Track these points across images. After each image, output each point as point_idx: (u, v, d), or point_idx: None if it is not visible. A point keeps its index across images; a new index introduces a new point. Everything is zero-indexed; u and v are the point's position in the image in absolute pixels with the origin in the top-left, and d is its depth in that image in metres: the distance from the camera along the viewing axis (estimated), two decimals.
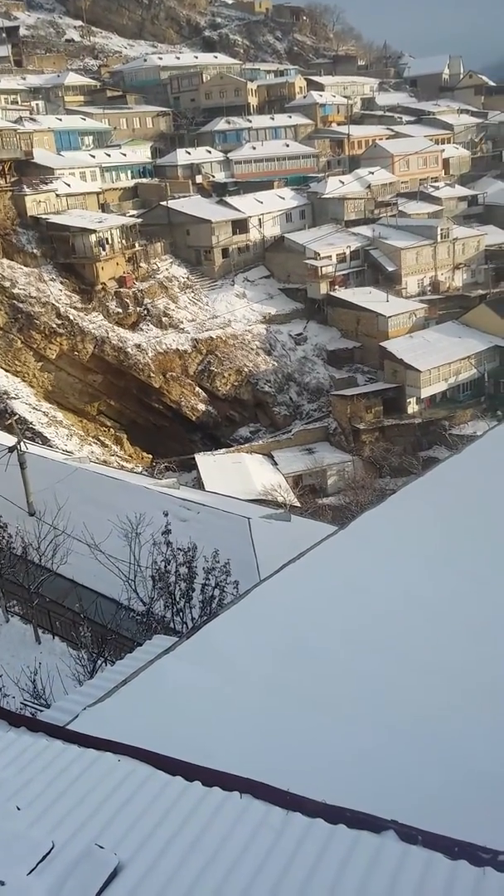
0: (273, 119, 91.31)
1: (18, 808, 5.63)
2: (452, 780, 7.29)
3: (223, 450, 59.23)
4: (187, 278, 68.48)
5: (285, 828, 5.47)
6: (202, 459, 55.68)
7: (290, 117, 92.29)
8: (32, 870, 5.08)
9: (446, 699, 8.31)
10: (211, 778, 5.92)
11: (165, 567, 15.33)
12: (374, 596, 10.26)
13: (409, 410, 59.52)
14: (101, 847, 5.25)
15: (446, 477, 13.96)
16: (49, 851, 5.25)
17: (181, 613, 15.25)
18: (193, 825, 5.46)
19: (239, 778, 5.94)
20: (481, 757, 7.53)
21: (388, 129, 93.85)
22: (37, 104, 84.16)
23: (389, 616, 9.70)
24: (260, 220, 72.57)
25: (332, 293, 67.34)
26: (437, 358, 59.66)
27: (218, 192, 78.65)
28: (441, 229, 70.49)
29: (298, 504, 48.08)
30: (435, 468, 14.77)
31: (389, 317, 62.59)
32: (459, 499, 12.80)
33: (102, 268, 61.45)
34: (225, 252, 70.76)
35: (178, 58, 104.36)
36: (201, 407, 62.74)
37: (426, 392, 59.31)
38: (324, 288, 67.27)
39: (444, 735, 7.83)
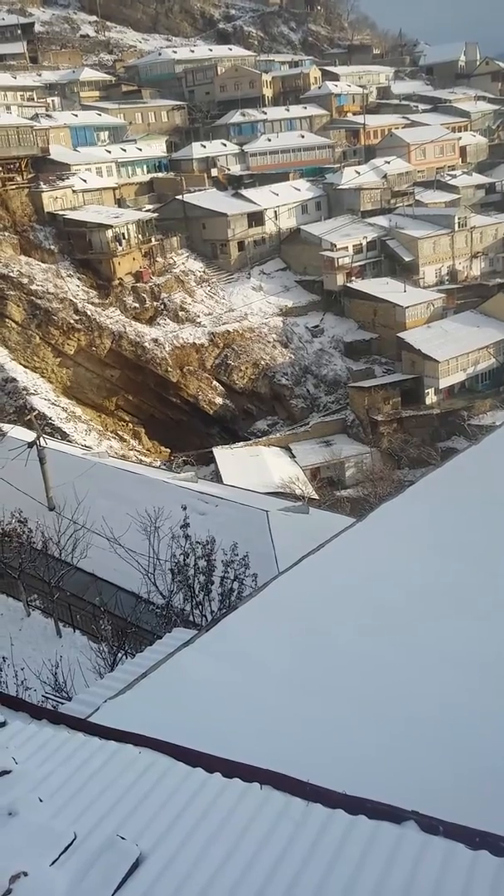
0: (288, 110, 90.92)
1: (41, 800, 5.69)
2: (473, 772, 7.27)
3: (241, 443, 59.27)
4: (203, 272, 68.47)
5: (306, 819, 5.48)
6: (220, 453, 55.76)
7: (306, 108, 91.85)
8: (55, 861, 5.14)
9: (467, 691, 8.28)
10: (231, 769, 5.94)
11: (184, 560, 15.37)
12: (393, 588, 10.24)
13: (428, 401, 59.17)
14: (123, 838, 5.29)
15: (466, 468, 13.87)
16: (71, 842, 5.30)
17: (200, 606, 15.29)
18: (214, 816, 5.49)
19: (259, 769, 5.96)
20: (501, 748, 7.49)
21: (403, 117, 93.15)
22: (52, 100, 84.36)
23: (409, 608, 9.68)
24: (276, 212, 72.36)
25: (348, 284, 67.06)
26: (456, 348, 59.23)
27: (233, 184, 78.50)
28: (458, 218, 69.93)
29: (316, 496, 48.02)
30: (454, 459, 14.69)
31: (407, 307, 62.21)
32: (479, 490, 12.73)
33: (119, 263, 61.59)
34: (241, 245, 70.65)
35: (193, 51, 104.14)
36: (219, 400, 62.78)
37: (444, 382, 58.92)
38: (340, 279, 66.99)
39: (464, 727, 7.81)
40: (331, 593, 10.37)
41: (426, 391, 58.91)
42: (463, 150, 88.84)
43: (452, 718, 7.89)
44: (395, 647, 8.98)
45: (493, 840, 5.68)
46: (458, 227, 69.46)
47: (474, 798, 6.74)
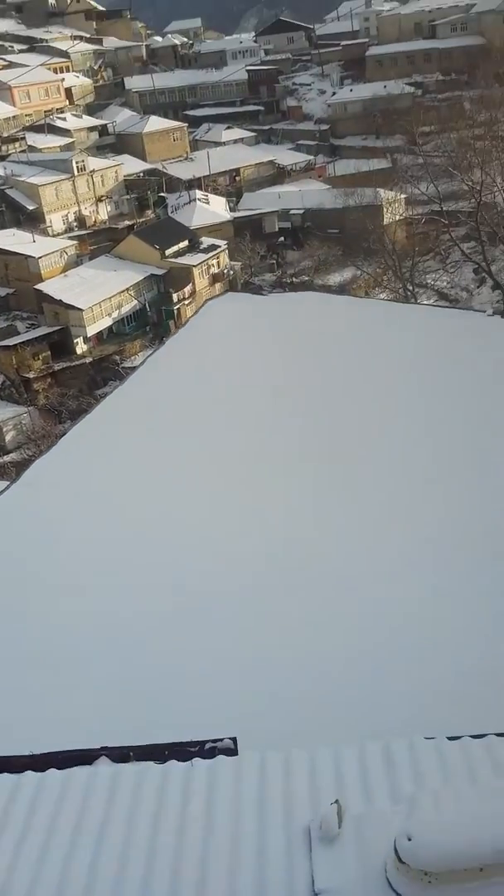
0: None
1: None
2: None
3: None
4: None
5: None
6: None
7: None
8: None
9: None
10: None
11: None
12: (59, 542, 10.21)
13: (78, 351, 58.78)
14: None
15: (114, 409, 14.14)
16: None
17: None
18: None
19: None
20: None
21: None
22: None
23: (74, 558, 9.74)
24: None
25: None
26: (97, 294, 59.26)
27: None
28: (76, 162, 68.99)
29: None
30: (102, 403, 14.88)
31: (39, 258, 60.47)
32: (129, 428, 13.07)
33: None
34: None
35: None
36: None
37: (92, 330, 58.91)
38: None
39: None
40: None
41: (75, 341, 58.39)
42: (69, 92, 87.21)
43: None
44: (66, 601, 9.00)
45: (179, 748, 6.07)
46: (78, 171, 68.56)
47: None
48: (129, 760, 5.98)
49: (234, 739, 6.25)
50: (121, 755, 6.02)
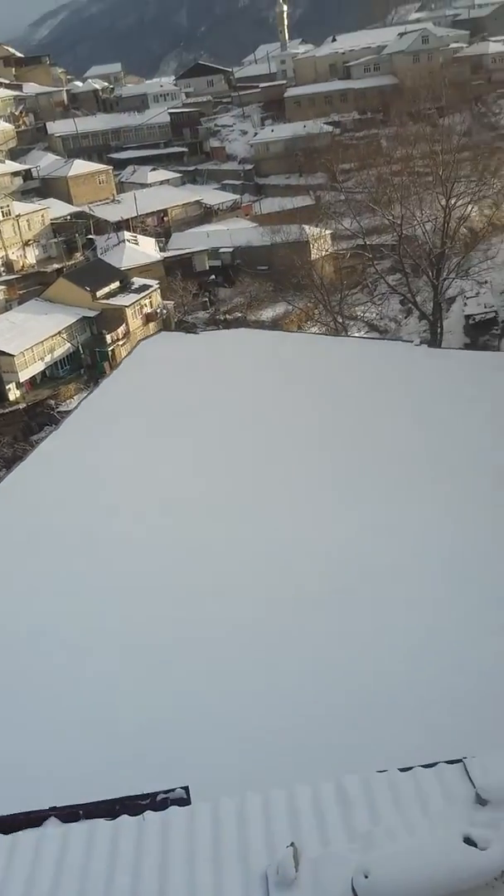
0: None
1: None
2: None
3: None
4: None
5: None
6: None
7: None
8: None
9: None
10: None
11: None
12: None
13: (11, 397, 57.78)
14: None
15: (50, 455, 13.94)
16: None
17: None
18: None
19: None
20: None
21: None
22: None
23: (16, 604, 9.51)
24: None
25: None
26: (29, 338, 58.56)
27: None
28: (1, 207, 68.63)
29: None
30: (38, 448, 14.67)
31: None
32: (65, 473, 12.90)
33: None
34: None
35: None
36: None
37: (24, 375, 58.08)
38: None
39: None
40: None
41: (7, 387, 57.41)
42: None
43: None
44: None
45: (130, 802, 5.93)
46: (3, 216, 68.16)
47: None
48: (78, 819, 5.81)
49: (186, 788, 6.13)
50: (70, 814, 5.84)
